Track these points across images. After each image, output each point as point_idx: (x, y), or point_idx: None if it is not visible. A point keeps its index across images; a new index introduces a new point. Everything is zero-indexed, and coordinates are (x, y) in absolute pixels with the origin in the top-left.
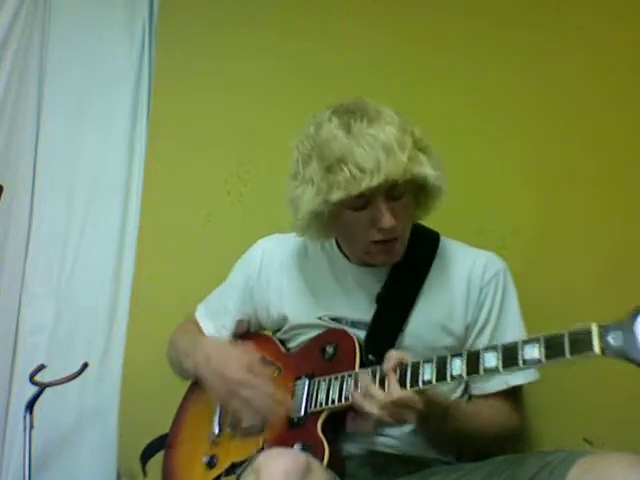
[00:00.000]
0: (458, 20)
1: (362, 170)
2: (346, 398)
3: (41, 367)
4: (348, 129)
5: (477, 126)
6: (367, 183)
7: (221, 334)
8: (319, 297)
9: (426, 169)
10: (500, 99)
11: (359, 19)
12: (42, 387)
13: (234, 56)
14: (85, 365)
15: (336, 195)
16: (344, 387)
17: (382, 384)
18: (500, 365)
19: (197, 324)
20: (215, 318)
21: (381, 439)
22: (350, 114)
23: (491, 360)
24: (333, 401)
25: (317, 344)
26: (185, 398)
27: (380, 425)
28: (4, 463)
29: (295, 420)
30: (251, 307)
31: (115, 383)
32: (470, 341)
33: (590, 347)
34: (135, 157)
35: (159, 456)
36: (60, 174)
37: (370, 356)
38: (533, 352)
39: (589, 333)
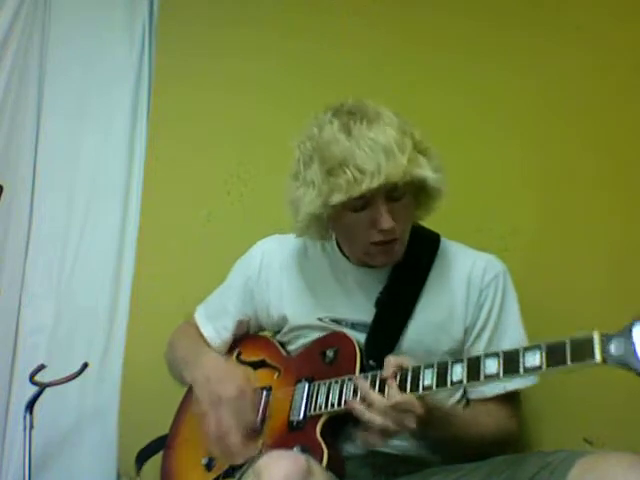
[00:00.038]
0: (458, 20)
1: (362, 172)
2: (346, 402)
3: (41, 367)
4: (349, 132)
5: (477, 126)
6: (367, 185)
7: (221, 335)
8: (319, 298)
9: (425, 171)
10: (500, 99)
11: (359, 19)
12: (42, 387)
13: (234, 56)
14: (85, 365)
15: (337, 198)
16: (344, 391)
17: (382, 390)
18: (501, 372)
19: (197, 326)
20: (215, 320)
21: None
22: (350, 116)
23: (492, 366)
24: (333, 405)
25: (317, 347)
26: (184, 399)
27: (386, 436)
28: (4, 463)
29: (294, 423)
30: (251, 308)
31: (115, 383)
32: (469, 343)
33: (592, 355)
34: (135, 157)
35: (158, 457)
36: (60, 174)
37: (371, 361)
38: (534, 359)
39: (591, 341)
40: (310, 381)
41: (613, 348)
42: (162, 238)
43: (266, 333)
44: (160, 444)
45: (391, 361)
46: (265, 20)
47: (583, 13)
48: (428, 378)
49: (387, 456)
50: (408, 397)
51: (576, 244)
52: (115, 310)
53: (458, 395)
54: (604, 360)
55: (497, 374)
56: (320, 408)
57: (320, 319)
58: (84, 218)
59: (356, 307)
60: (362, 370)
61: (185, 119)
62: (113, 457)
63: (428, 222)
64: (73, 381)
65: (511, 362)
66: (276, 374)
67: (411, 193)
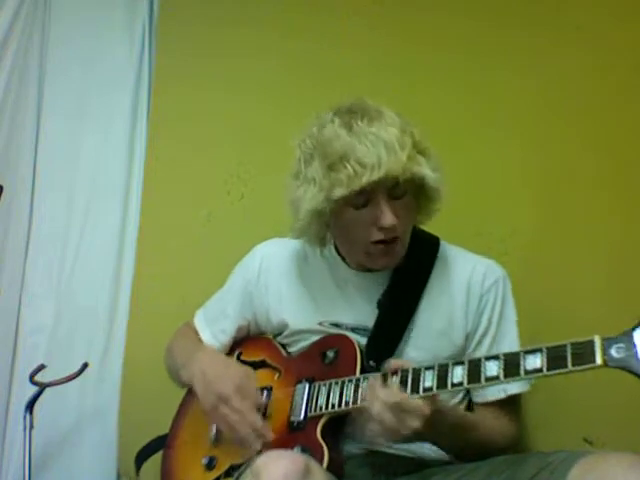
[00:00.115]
0: (458, 20)
1: (363, 165)
2: (346, 403)
3: (41, 367)
4: (350, 128)
5: (477, 126)
6: (368, 177)
7: (219, 339)
8: (319, 302)
9: (425, 169)
10: (500, 99)
11: (359, 19)
12: (42, 387)
13: (234, 56)
14: (85, 365)
15: (338, 192)
16: (344, 392)
17: None
18: (501, 374)
19: (196, 331)
20: (214, 324)
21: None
22: (352, 114)
23: (492, 369)
24: (333, 406)
25: (318, 348)
26: (184, 399)
27: (390, 433)
28: (4, 463)
29: (295, 424)
30: (250, 312)
31: (115, 383)
32: (470, 350)
33: (593, 359)
34: (135, 157)
35: (158, 456)
36: (60, 174)
37: (371, 362)
38: (535, 362)
39: (592, 345)
40: (310, 382)
41: (614, 351)
42: (162, 238)
43: (267, 335)
44: (160, 443)
45: (391, 363)
46: (265, 20)
47: (583, 13)
48: (429, 380)
49: (387, 456)
50: (416, 400)
51: (576, 245)
52: (115, 310)
53: (459, 396)
54: (605, 363)
55: (498, 376)
56: (321, 409)
57: (320, 323)
58: (84, 218)
59: (356, 311)
60: (363, 371)
61: (185, 119)
62: (113, 457)
63: (428, 226)
64: (73, 381)
65: (512, 365)
66: (276, 375)
67: (412, 193)
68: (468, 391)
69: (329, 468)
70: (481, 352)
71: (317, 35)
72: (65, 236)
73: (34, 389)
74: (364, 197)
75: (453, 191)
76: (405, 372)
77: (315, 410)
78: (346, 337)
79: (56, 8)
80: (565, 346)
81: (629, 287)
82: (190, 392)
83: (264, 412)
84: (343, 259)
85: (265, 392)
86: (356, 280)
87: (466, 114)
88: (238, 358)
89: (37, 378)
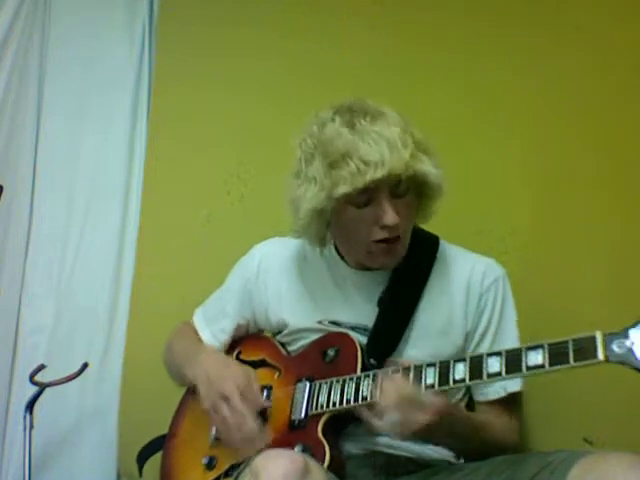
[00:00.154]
0: (458, 20)
1: (367, 163)
2: (347, 401)
3: (41, 367)
4: (352, 126)
5: (477, 126)
6: (371, 175)
7: (219, 338)
8: (318, 301)
9: (427, 167)
10: (500, 99)
11: (359, 19)
12: (42, 387)
13: (234, 56)
14: (85, 365)
15: (341, 189)
16: (345, 390)
17: None
18: (503, 370)
19: (195, 330)
20: (213, 323)
21: (381, 439)
22: (353, 113)
23: (494, 365)
24: (334, 404)
25: (318, 347)
26: (184, 398)
27: (402, 431)
28: (4, 463)
29: (296, 422)
30: (249, 310)
31: (115, 383)
32: (470, 350)
33: (594, 355)
34: (135, 157)
35: (158, 456)
36: (60, 174)
37: (372, 360)
38: (537, 358)
39: (593, 340)
40: (311, 380)
41: (616, 347)
42: (162, 238)
43: (266, 333)
44: (161, 443)
45: (395, 362)
46: (265, 20)
47: (583, 13)
48: (430, 377)
49: (387, 456)
50: (429, 396)
51: (576, 244)
52: (115, 310)
53: (459, 395)
54: (607, 358)
55: (499, 372)
56: (322, 407)
57: (320, 322)
58: (84, 218)
59: (355, 310)
60: (363, 369)
61: (185, 119)
62: (113, 457)
63: (428, 224)
64: (73, 381)
65: (514, 361)
66: (276, 374)
67: (413, 192)
68: (468, 389)
69: (330, 467)
70: (481, 352)
71: (317, 35)
72: (65, 236)
73: (34, 389)
74: (366, 196)
75: (453, 190)
76: (407, 369)
77: (316, 408)
78: (347, 335)
79: (56, 8)
80: (567, 342)
81: (629, 287)
82: (189, 391)
83: (264, 413)
84: (342, 258)
85: (265, 391)
86: (355, 279)
87: (466, 114)
88: (237, 357)
89: (37, 378)
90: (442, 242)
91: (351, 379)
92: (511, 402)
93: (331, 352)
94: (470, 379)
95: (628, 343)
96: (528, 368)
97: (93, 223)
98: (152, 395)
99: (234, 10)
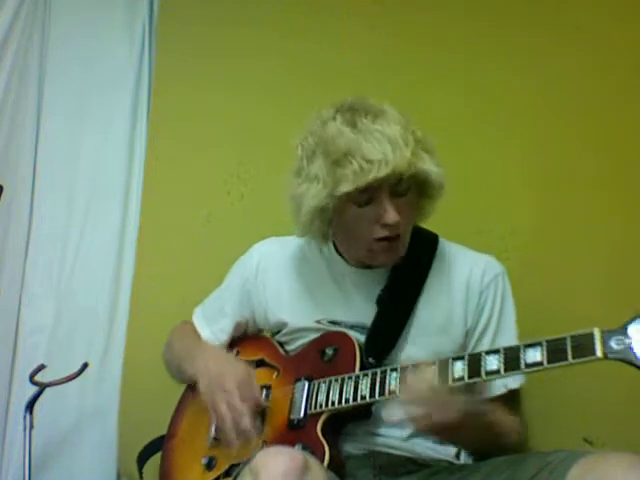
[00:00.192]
0: (458, 20)
1: (369, 162)
2: (346, 400)
3: (41, 367)
4: (354, 125)
5: (477, 126)
6: (375, 174)
7: (218, 338)
8: (317, 301)
9: (429, 165)
10: (500, 99)
11: (359, 19)
12: (42, 387)
13: (234, 56)
14: (85, 365)
15: (344, 188)
16: (344, 389)
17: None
18: (502, 368)
19: (194, 329)
20: (212, 322)
21: (381, 439)
22: (354, 111)
23: (493, 363)
24: (333, 403)
25: (317, 346)
26: (183, 398)
27: (426, 425)
28: (4, 463)
29: (295, 422)
30: (248, 310)
31: (115, 383)
32: (470, 347)
33: (593, 351)
34: (135, 157)
35: (158, 457)
36: (60, 174)
37: (370, 359)
38: (535, 355)
39: (592, 337)
40: (310, 380)
41: (614, 343)
42: (162, 238)
43: (265, 333)
44: (161, 443)
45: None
46: (265, 20)
47: (583, 13)
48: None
49: (387, 456)
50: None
51: (576, 244)
52: (115, 310)
53: None
54: (605, 355)
55: (498, 370)
56: (321, 406)
57: (318, 321)
58: (84, 218)
59: (354, 309)
60: (362, 368)
61: (185, 119)
62: (113, 457)
63: (428, 224)
64: (73, 381)
65: (512, 358)
66: (275, 373)
67: (414, 191)
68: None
69: (330, 466)
70: (481, 349)
71: (317, 35)
72: (65, 236)
73: (34, 389)
74: (367, 194)
75: (453, 190)
76: (405, 368)
77: (315, 408)
78: (345, 334)
79: (56, 8)
80: (565, 339)
81: (629, 286)
82: (189, 389)
83: (263, 412)
84: (341, 256)
85: (264, 391)
86: (354, 277)
87: (466, 114)
88: (236, 357)
89: (37, 378)
90: (441, 240)
91: (350, 378)
92: (511, 399)
93: (329, 351)
94: (469, 377)
95: (626, 340)
96: (527, 365)
97: (93, 223)
98: (152, 395)
99: (234, 10)
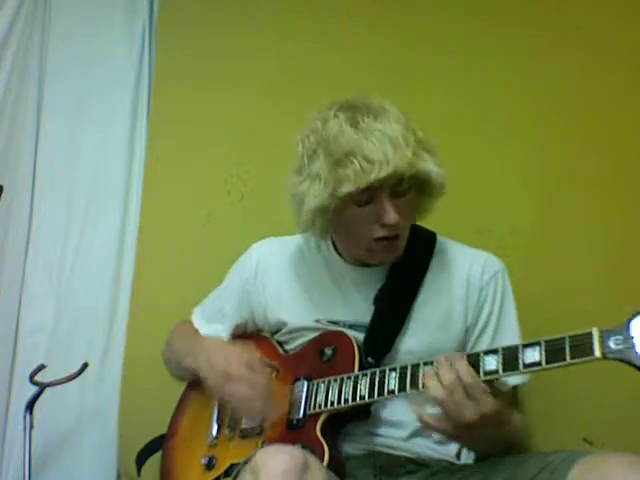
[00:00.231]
0: (458, 20)
1: (371, 162)
2: (345, 400)
3: (41, 367)
4: (356, 124)
5: (477, 126)
6: (376, 175)
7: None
8: (316, 300)
9: (429, 165)
10: (500, 99)
11: (359, 19)
12: (42, 387)
13: (234, 56)
14: (85, 365)
15: (345, 188)
16: (343, 389)
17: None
18: (500, 368)
19: (194, 327)
20: (212, 321)
21: (380, 439)
22: (355, 109)
23: (491, 363)
24: (332, 403)
25: (316, 346)
26: (183, 398)
27: (453, 418)
28: (4, 463)
29: (294, 422)
30: (248, 310)
31: (115, 383)
32: (471, 344)
33: (591, 351)
34: (135, 157)
35: (157, 456)
36: (60, 174)
37: (369, 358)
38: (534, 355)
39: (590, 337)
40: (309, 379)
41: (613, 343)
42: (162, 238)
43: (264, 333)
44: (160, 443)
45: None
46: (265, 20)
47: (583, 13)
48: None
49: (387, 456)
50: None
51: (576, 244)
52: (115, 310)
53: None
54: (604, 355)
55: (497, 370)
56: (320, 406)
57: (318, 321)
58: (84, 218)
59: (353, 308)
60: (361, 368)
61: (185, 119)
62: (113, 457)
63: (428, 223)
64: (73, 381)
65: (511, 358)
66: (274, 373)
67: (414, 190)
68: None
69: (329, 466)
70: (482, 346)
71: (317, 35)
72: (65, 236)
73: (34, 389)
74: (367, 194)
75: (453, 189)
76: (404, 368)
77: (314, 408)
78: (344, 334)
79: (56, 8)
80: (563, 339)
81: (629, 286)
82: (189, 388)
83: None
84: (339, 255)
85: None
86: (353, 275)
87: (466, 114)
88: None
89: (37, 378)
90: (439, 238)
91: (349, 378)
92: (512, 396)
93: (328, 351)
94: None
95: (625, 339)
96: (525, 366)
97: (93, 223)
98: (152, 395)
99: (234, 10)
